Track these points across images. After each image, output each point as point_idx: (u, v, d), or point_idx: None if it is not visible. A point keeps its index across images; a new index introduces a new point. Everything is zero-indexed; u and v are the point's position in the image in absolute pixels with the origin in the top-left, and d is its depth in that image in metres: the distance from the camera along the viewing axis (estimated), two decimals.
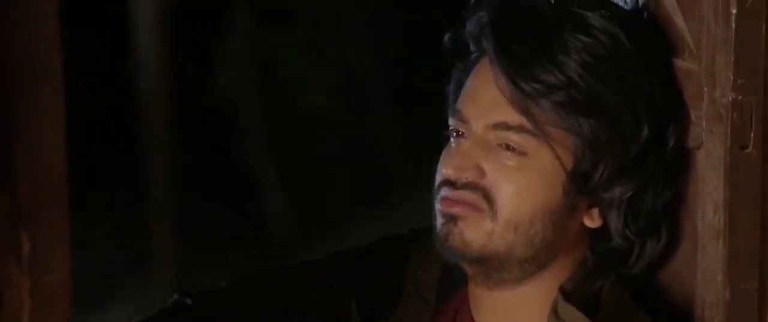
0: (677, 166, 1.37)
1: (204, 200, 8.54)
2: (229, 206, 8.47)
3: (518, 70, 1.31)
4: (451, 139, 1.36)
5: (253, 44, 8.62)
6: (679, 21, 1.36)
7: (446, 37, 1.38)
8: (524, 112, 1.31)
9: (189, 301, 1.41)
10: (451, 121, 1.36)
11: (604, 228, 1.36)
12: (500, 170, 1.32)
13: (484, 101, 1.33)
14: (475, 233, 1.32)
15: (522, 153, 1.32)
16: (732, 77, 1.31)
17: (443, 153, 1.36)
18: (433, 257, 1.40)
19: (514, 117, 1.31)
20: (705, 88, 1.34)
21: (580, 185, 1.33)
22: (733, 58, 1.31)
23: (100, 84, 8.64)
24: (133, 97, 8.15)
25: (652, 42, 1.37)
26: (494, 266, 1.34)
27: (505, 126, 1.32)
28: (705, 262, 1.36)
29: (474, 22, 1.34)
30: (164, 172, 7.93)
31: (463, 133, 1.34)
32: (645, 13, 1.40)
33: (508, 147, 1.32)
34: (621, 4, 1.42)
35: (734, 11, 1.30)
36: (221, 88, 8.97)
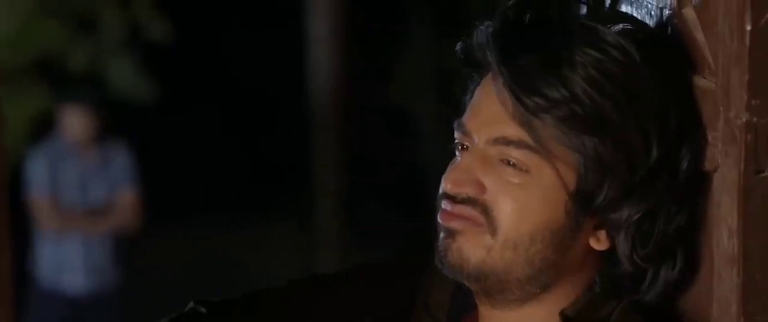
0: (692, 189, 1.28)
1: (376, 199, 8.60)
2: (400, 208, 8.51)
3: (521, 84, 1.24)
4: (456, 153, 1.30)
5: (430, 53, 8.65)
6: (700, 37, 1.28)
7: (458, 46, 1.32)
8: (526, 127, 1.25)
9: (203, 309, 1.39)
10: (455, 134, 1.30)
11: (613, 251, 1.28)
12: (501, 185, 1.26)
13: (486, 115, 1.28)
14: (473, 249, 1.27)
15: (523, 169, 1.26)
16: (746, 97, 1.22)
17: (449, 166, 1.31)
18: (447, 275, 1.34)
19: (515, 132, 1.25)
20: (721, 108, 1.25)
21: (583, 205, 1.26)
22: (747, 78, 1.22)
23: (278, 88, 8.80)
24: (309, 102, 8.28)
25: (669, 59, 1.29)
26: (494, 285, 1.29)
27: (506, 141, 1.26)
28: (720, 291, 1.28)
29: (481, 32, 1.28)
30: (338, 173, 8.07)
31: (466, 147, 1.29)
32: (669, 29, 1.32)
33: (509, 163, 1.26)
34: (646, 18, 1.34)
35: (749, 28, 1.21)
36: (396, 95, 9.02)
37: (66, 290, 5.93)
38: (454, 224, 1.27)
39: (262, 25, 8.95)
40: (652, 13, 1.35)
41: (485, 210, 1.26)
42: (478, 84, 1.31)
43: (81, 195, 5.97)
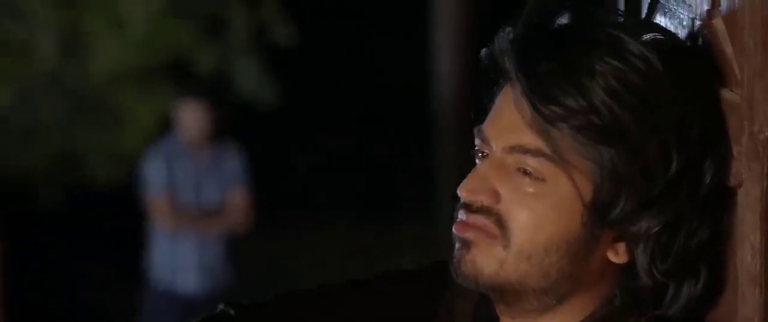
0: (716, 204, 1.24)
1: None
2: None
3: (538, 92, 1.21)
4: (476, 160, 1.27)
5: None
6: (728, 49, 1.24)
7: (482, 52, 1.29)
8: (543, 136, 1.22)
9: (232, 312, 1.39)
10: (476, 141, 1.28)
11: (633, 265, 1.24)
12: (516, 195, 1.23)
13: (504, 122, 1.25)
14: (487, 260, 1.24)
15: (539, 179, 1.22)
16: None
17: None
18: None
19: (532, 140, 1.22)
20: (745, 123, 1.20)
21: (600, 216, 1.22)
22: None
23: (403, 93, 8.82)
24: (433, 106, 8.28)
25: (696, 71, 1.24)
26: (509, 296, 1.26)
27: (523, 149, 1.23)
28: (743, 310, 1.23)
29: (502, 38, 1.25)
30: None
31: (486, 155, 1.26)
32: (700, 40, 1.27)
33: (525, 172, 1.23)
34: (679, 29, 1.30)
35: None
36: None
37: (179, 290, 5.99)
38: (468, 235, 1.25)
39: (386, 30, 8.98)
40: (685, 23, 1.31)
41: (499, 220, 1.24)
42: (501, 91, 1.28)
43: (195, 195, 6.03)
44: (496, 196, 1.24)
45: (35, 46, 7.01)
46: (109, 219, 8.20)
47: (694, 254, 1.24)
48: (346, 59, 9.10)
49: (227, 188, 6.05)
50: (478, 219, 1.24)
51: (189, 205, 6.01)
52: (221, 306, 1.40)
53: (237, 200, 6.04)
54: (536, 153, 1.23)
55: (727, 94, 1.24)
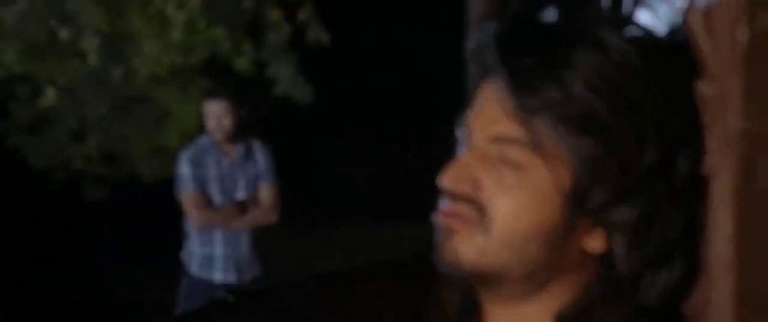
0: (692, 195, 1.22)
1: None
2: None
3: (519, 84, 1.21)
4: (460, 150, 1.27)
5: None
6: (704, 44, 1.22)
7: (468, 47, 1.28)
8: (523, 126, 1.21)
9: (232, 299, 1.39)
10: (459, 132, 1.27)
11: (611, 254, 1.23)
12: (497, 184, 1.22)
13: (486, 113, 1.24)
14: (468, 247, 1.23)
15: (520, 168, 1.22)
16: (741, 105, 1.16)
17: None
18: None
19: (513, 131, 1.22)
20: (718, 115, 1.19)
21: (578, 206, 1.21)
22: (742, 85, 1.15)
23: (440, 90, 8.81)
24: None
25: (674, 66, 1.23)
26: (490, 282, 1.25)
27: (504, 139, 1.22)
28: (717, 298, 1.21)
29: (485, 31, 1.25)
30: None
31: (467, 144, 1.25)
32: (679, 35, 1.26)
33: (506, 161, 1.22)
34: (660, 24, 1.29)
35: (744, 35, 1.15)
36: None
37: (213, 281, 6.03)
38: (450, 223, 1.24)
39: (420, 30, 8.96)
40: (664, 18, 1.29)
41: (480, 209, 1.23)
42: (484, 84, 1.28)
43: (224, 192, 6.05)
44: (478, 185, 1.23)
45: (82, 47, 7.04)
46: (151, 213, 8.24)
47: (670, 244, 1.23)
48: (379, 58, 9.10)
49: (256, 184, 6.06)
50: (460, 208, 1.24)
51: (218, 201, 6.03)
52: (222, 293, 1.40)
53: (265, 196, 6.05)
54: (517, 143, 1.22)
55: (702, 89, 1.22)
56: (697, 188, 1.22)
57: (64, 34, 6.90)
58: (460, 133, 1.27)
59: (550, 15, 1.25)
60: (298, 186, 6.67)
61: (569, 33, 1.23)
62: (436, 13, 8.92)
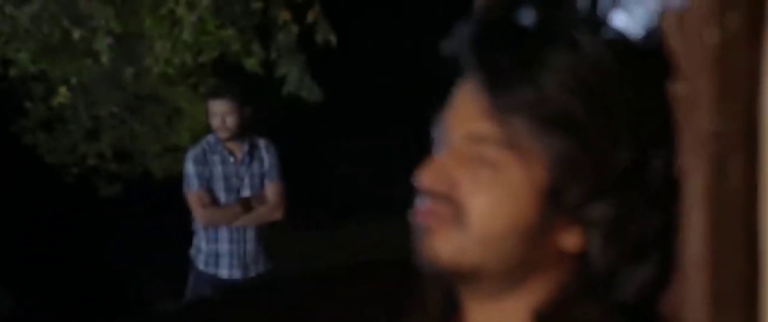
0: (666, 193, 1.21)
1: None
2: None
3: (495, 82, 1.20)
4: (436, 149, 1.26)
5: None
6: (678, 45, 1.20)
7: (444, 46, 1.27)
8: (499, 125, 1.20)
9: (218, 295, 1.39)
10: (435, 131, 1.26)
11: (588, 252, 1.22)
12: (473, 182, 1.21)
13: (461, 112, 1.23)
14: (445, 246, 1.22)
15: (495, 166, 1.20)
16: (712, 106, 1.14)
17: None
18: None
19: (488, 129, 1.20)
20: (690, 116, 1.17)
21: (553, 203, 1.20)
22: (713, 86, 1.14)
23: (440, 97, 8.80)
24: None
25: (647, 66, 1.22)
26: (468, 279, 1.24)
27: (479, 138, 1.21)
28: (691, 296, 1.20)
29: (461, 32, 1.23)
30: None
31: (444, 144, 1.24)
32: (654, 36, 1.25)
33: (482, 160, 1.21)
34: (637, 25, 1.27)
35: (715, 36, 1.13)
36: None
37: (219, 276, 6.02)
38: (426, 222, 1.23)
39: (427, 28, 8.94)
40: (643, 19, 1.28)
41: (457, 207, 1.22)
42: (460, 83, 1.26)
43: (229, 189, 6.04)
44: (454, 183, 1.22)
45: (94, 47, 7.04)
46: (163, 209, 8.24)
47: (645, 241, 1.22)
48: (385, 59, 9.09)
49: (261, 183, 6.05)
50: (436, 206, 1.23)
51: (224, 199, 6.02)
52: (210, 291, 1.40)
53: (270, 194, 6.04)
54: (492, 141, 1.20)
55: (675, 89, 1.21)
56: (670, 186, 1.21)
57: (77, 34, 6.89)
58: (436, 132, 1.26)
59: (525, 16, 1.24)
60: (304, 184, 6.66)
61: (544, 34, 1.22)
62: (443, 15, 8.89)
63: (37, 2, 6.89)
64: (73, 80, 7.57)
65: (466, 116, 1.23)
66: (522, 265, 1.22)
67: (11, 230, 9.72)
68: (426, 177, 1.23)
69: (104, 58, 6.92)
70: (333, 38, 7.72)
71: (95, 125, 8.93)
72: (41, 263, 9.55)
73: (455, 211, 1.22)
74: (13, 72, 7.34)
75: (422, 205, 1.24)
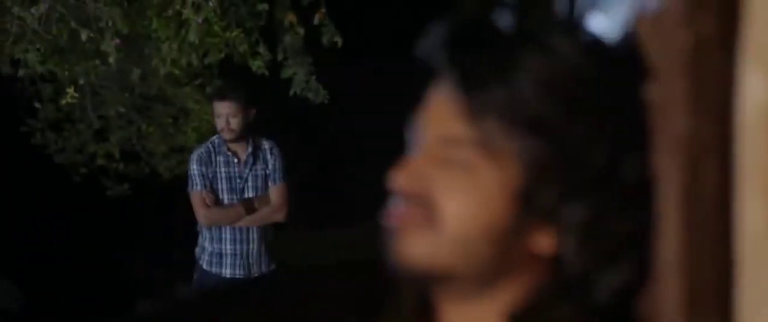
0: (640, 196, 1.20)
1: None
2: None
3: (469, 84, 1.19)
4: (410, 151, 1.25)
5: None
6: (652, 48, 1.19)
7: (418, 47, 1.26)
8: (473, 127, 1.18)
9: (193, 298, 1.38)
10: (408, 133, 1.25)
11: (562, 254, 1.20)
12: (446, 184, 1.20)
13: (435, 114, 1.22)
14: (418, 248, 1.21)
15: (468, 168, 1.19)
16: (685, 109, 1.13)
17: None
18: None
19: (462, 131, 1.19)
20: (663, 119, 1.16)
21: (527, 205, 1.19)
22: (686, 89, 1.13)
23: None
24: None
25: (621, 69, 1.20)
26: (442, 282, 1.23)
27: (453, 139, 1.20)
28: (665, 299, 1.19)
29: (435, 31, 1.22)
30: None
31: (418, 145, 1.23)
32: (630, 39, 1.24)
33: (455, 162, 1.19)
34: (613, 28, 1.26)
35: (689, 37, 1.12)
36: None
37: (223, 275, 6.02)
38: (399, 224, 1.22)
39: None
40: (619, 22, 1.27)
41: (430, 209, 1.20)
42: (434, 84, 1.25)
43: (233, 190, 6.03)
44: (428, 185, 1.21)
45: (102, 48, 7.04)
46: (169, 208, 8.25)
47: (619, 244, 1.20)
48: (392, 59, 9.08)
49: (265, 184, 6.04)
50: (409, 208, 1.21)
51: (227, 200, 6.01)
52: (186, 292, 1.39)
53: (273, 196, 6.03)
54: (466, 143, 1.19)
55: (649, 92, 1.20)
56: (644, 189, 1.20)
57: (84, 35, 6.89)
58: (411, 133, 1.25)
59: (501, 18, 1.22)
60: (310, 184, 6.64)
61: (519, 36, 1.20)
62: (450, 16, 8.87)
63: (44, 3, 6.89)
64: (81, 81, 7.56)
65: (439, 117, 1.21)
66: (495, 267, 1.21)
67: (22, 229, 9.73)
68: (399, 178, 1.22)
69: (111, 59, 6.91)
70: (339, 40, 7.70)
71: (103, 126, 8.93)
72: (51, 262, 9.56)
73: (428, 213, 1.20)
74: (22, 72, 7.34)
75: (395, 207, 1.23)
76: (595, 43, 1.21)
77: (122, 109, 8.73)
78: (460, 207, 1.19)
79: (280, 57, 7.65)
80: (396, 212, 1.23)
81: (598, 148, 1.17)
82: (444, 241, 1.20)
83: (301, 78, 7.71)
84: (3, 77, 7.87)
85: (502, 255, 1.20)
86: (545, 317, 1.21)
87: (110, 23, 6.90)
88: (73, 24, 6.91)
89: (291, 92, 7.58)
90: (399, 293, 1.32)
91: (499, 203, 1.19)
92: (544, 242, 1.21)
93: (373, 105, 9.02)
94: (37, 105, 8.96)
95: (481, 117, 1.18)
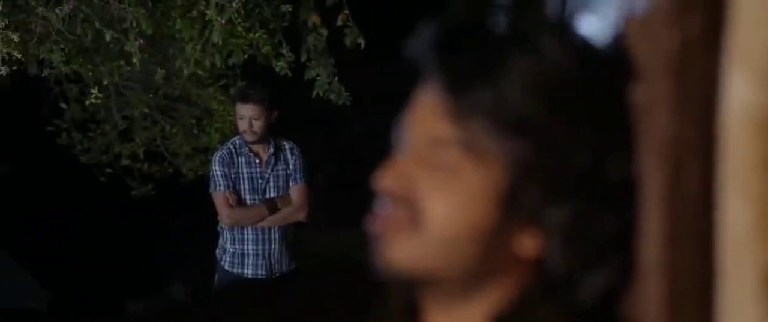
0: (625, 197, 1.20)
1: None
2: None
3: (455, 85, 1.19)
4: (394, 152, 1.25)
5: None
6: (639, 49, 1.19)
7: (407, 47, 1.26)
8: (458, 128, 1.19)
9: (189, 299, 1.39)
10: (394, 133, 1.25)
11: (546, 255, 1.21)
12: (432, 185, 1.20)
13: (421, 114, 1.22)
14: (402, 250, 1.21)
15: (453, 169, 1.19)
16: (670, 110, 1.13)
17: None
18: None
19: (448, 132, 1.19)
20: (648, 120, 1.16)
21: (512, 207, 1.19)
22: (671, 91, 1.13)
23: None
24: None
25: (608, 71, 1.21)
26: (427, 284, 1.23)
27: (439, 140, 1.20)
28: (648, 300, 1.19)
29: (423, 34, 1.23)
30: None
31: (405, 145, 1.23)
32: (618, 41, 1.24)
33: (441, 163, 1.20)
34: (602, 29, 1.26)
35: (675, 38, 1.12)
36: None
37: (244, 274, 6.04)
38: (383, 227, 1.22)
39: None
40: (607, 23, 1.27)
41: (414, 210, 1.21)
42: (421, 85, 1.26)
43: (255, 191, 6.04)
44: (413, 186, 1.21)
45: (126, 48, 7.07)
46: (193, 208, 8.28)
47: (603, 246, 1.20)
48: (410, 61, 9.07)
49: (286, 184, 6.06)
50: (393, 210, 1.22)
51: (249, 201, 6.03)
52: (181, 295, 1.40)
53: (295, 196, 6.05)
54: (452, 144, 1.19)
55: (635, 94, 1.20)
56: (628, 190, 1.20)
57: (108, 35, 6.93)
58: (397, 134, 1.26)
59: (490, 19, 1.23)
60: (332, 184, 6.65)
61: (506, 37, 1.21)
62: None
63: (69, 4, 6.93)
64: (105, 81, 7.60)
65: (426, 118, 1.22)
66: (480, 269, 1.21)
67: (48, 229, 9.79)
68: (385, 179, 1.23)
69: (136, 60, 6.94)
70: (362, 41, 7.70)
71: (128, 126, 8.97)
72: (76, 261, 9.61)
73: (413, 214, 1.20)
74: (47, 73, 7.39)
75: (380, 208, 1.23)
76: (583, 45, 1.21)
77: (146, 110, 8.77)
78: (445, 209, 1.19)
79: (303, 58, 7.66)
80: (381, 213, 1.23)
81: (583, 150, 1.18)
82: (428, 243, 1.20)
83: (323, 79, 7.72)
84: (30, 78, 7.92)
85: (486, 257, 1.20)
86: (529, 318, 1.21)
87: (134, 24, 6.93)
88: (97, 24, 6.95)
89: (314, 93, 7.59)
90: (386, 295, 1.32)
91: (484, 205, 1.19)
92: (528, 243, 1.21)
93: (395, 106, 9.02)
94: (64, 105, 9.01)
95: (467, 118, 1.18)
